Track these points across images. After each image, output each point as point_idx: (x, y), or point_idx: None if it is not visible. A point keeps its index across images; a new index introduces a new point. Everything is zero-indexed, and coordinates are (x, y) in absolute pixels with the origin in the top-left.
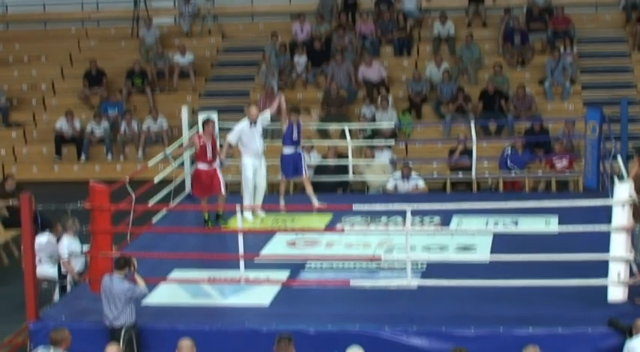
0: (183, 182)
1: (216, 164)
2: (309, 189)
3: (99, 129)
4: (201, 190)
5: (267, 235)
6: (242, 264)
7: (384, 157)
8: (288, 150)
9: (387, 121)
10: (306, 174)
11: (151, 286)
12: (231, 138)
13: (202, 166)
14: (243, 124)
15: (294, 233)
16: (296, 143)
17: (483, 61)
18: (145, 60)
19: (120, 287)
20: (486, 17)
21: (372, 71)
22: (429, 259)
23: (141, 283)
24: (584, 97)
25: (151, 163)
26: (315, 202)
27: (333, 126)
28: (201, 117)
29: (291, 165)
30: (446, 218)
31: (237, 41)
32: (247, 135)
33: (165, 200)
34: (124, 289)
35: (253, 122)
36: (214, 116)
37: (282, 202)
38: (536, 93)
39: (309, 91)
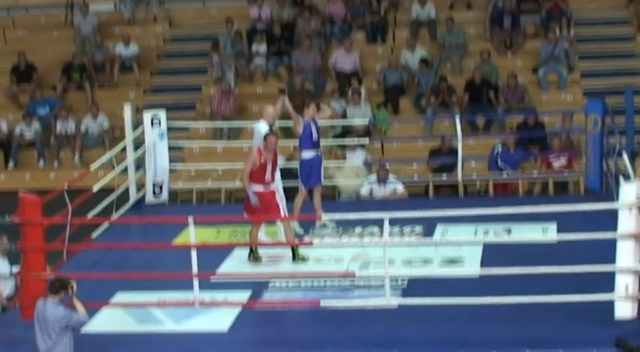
0: (126, 191)
1: (274, 185)
2: (318, 198)
3: (29, 131)
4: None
5: (224, 250)
6: (196, 283)
7: (356, 158)
8: (308, 155)
9: (359, 117)
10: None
11: (92, 311)
12: (260, 144)
13: (258, 188)
14: (260, 128)
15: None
16: (316, 145)
17: (468, 48)
18: (81, 51)
19: (54, 313)
20: None
21: (349, 58)
22: (410, 274)
23: (80, 309)
24: (583, 87)
25: (93, 167)
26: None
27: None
28: (146, 115)
29: (316, 171)
30: (429, 227)
31: (187, 29)
32: None
33: (106, 211)
34: (59, 316)
35: (272, 125)
36: (162, 114)
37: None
38: (530, 83)
39: (269, 84)
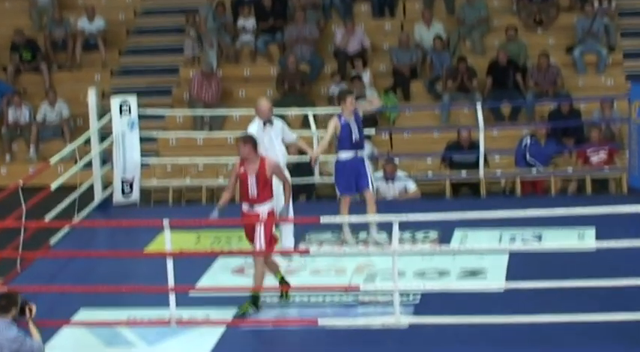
0: (91, 189)
1: (267, 207)
2: (372, 209)
3: None
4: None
5: (205, 260)
6: (172, 299)
7: None
8: (344, 155)
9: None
10: (373, 188)
11: (51, 331)
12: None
13: (243, 207)
14: (254, 126)
15: (241, 256)
16: (357, 145)
17: (492, 23)
18: (37, 26)
19: (5, 334)
20: None
21: (354, 39)
22: (423, 288)
23: (35, 336)
24: (626, 69)
25: (52, 161)
26: (375, 235)
27: (293, 112)
28: (114, 101)
29: (352, 176)
30: (446, 232)
31: (162, 0)
32: (261, 141)
33: (67, 213)
34: (11, 338)
35: (268, 121)
36: (132, 100)
37: (346, 233)
38: (564, 65)
39: (258, 66)
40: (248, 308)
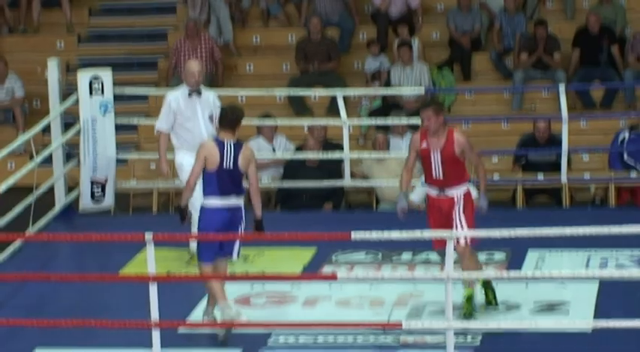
0: (51, 192)
1: (462, 190)
2: None
3: None
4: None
5: (199, 286)
6: (156, 337)
7: (405, 147)
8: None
9: (410, 84)
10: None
11: None
12: (161, 124)
13: (432, 192)
14: (175, 95)
15: (247, 281)
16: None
17: None
18: None
19: None
20: None
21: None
22: (486, 327)
23: None
24: None
25: (1, 154)
26: None
27: (317, 93)
28: (81, 77)
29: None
30: (516, 253)
31: None
32: (184, 114)
33: (19, 223)
34: None
35: (194, 90)
36: (106, 75)
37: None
38: None
39: (272, 32)
40: (470, 310)
